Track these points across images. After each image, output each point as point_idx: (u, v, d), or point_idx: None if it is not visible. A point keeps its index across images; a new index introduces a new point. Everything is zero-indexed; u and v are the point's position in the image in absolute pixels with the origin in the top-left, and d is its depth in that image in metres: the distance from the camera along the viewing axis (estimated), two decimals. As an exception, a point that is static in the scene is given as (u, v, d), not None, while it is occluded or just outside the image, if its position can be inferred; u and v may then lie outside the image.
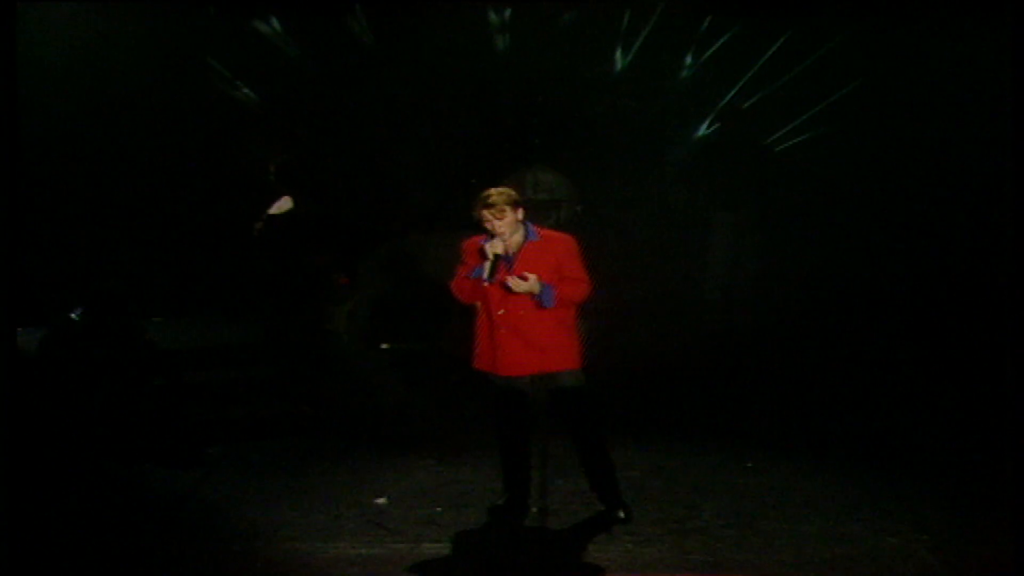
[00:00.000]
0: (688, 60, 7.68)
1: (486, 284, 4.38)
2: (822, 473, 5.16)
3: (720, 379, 6.63)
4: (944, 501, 4.72)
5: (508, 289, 4.36)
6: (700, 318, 7.29)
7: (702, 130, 7.80)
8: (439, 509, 4.69)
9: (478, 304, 4.52)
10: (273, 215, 6.13)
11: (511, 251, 4.39)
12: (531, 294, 4.37)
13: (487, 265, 4.36)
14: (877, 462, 5.31)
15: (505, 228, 4.35)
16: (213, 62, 7.43)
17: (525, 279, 4.33)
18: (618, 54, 7.70)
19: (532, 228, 4.45)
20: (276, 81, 7.62)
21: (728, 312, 7.38)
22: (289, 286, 6.14)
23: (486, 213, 4.34)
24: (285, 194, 6.16)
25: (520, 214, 4.39)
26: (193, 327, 6.90)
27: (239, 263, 6.87)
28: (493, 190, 4.38)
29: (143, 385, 5.43)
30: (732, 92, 7.64)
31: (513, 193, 4.40)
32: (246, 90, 7.66)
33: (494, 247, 4.34)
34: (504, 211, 4.33)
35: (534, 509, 4.63)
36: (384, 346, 7.23)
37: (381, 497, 4.80)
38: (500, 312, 4.41)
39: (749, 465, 5.30)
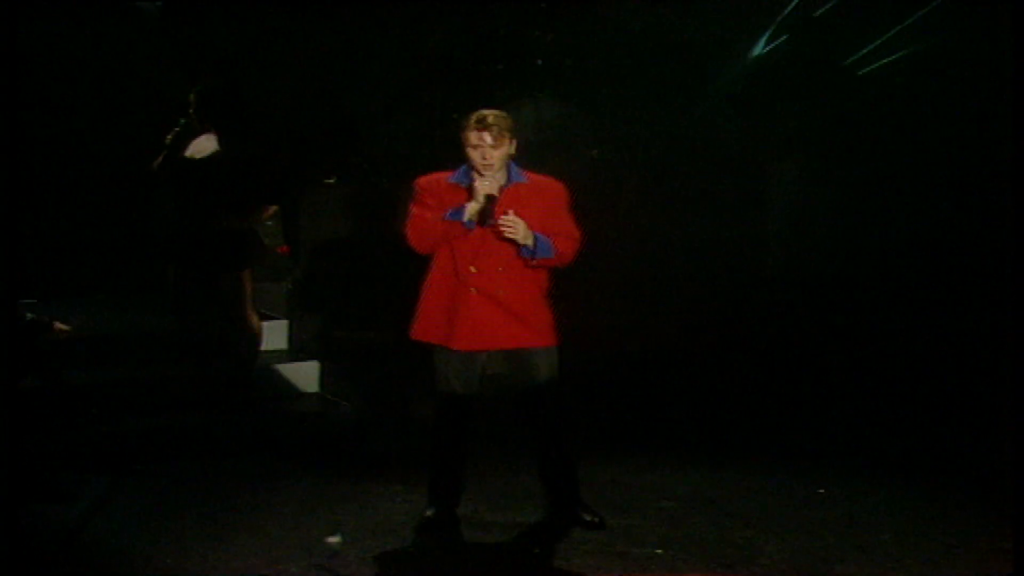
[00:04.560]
0: (743, -46, 7.64)
1: (469, 229, 4.54)
2: (919, 501, 5.16)
3: (782, 375, 6.63)
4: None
5: (495, 234, 4.51)
6: (754, 293, 7.29)
7: (759, 48, 7.73)
8: (410, 550, 4.69)
9: (432, 259, 4.69)
10: (190, 159, 6.03)
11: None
12: (521, 245, 4.54)
13: (472, 207, 4.53)
14: (992, 485, 5.26)
15: (497, 161, 4.56)
16: None
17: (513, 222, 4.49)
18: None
19: (516, 168, 4.66)
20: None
21: (790, 286, 7.38)
22: (209, 255, 6.05)
23: (484, 136, 4.50)
24: (207, 131, 6.06)
25: (514, 148, 4.61)
26: (78, 310, 6.80)
27: (141, 225, 6.81)
28: (491, 110, 4.59)
29: (9, 388, 5.34)
30: (799, -3, 7.57)
31: (512, 120, 4.60)
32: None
33: (488, 187, 4.53)
34: (503, 138, 4.54)
35: (536, 550, 4.67)
36: (336, 334, 7.20)
37: (334, 535, 4.80)
38: (472, 269, 4.61)
39: (821, 492, 5.30)
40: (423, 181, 4.69)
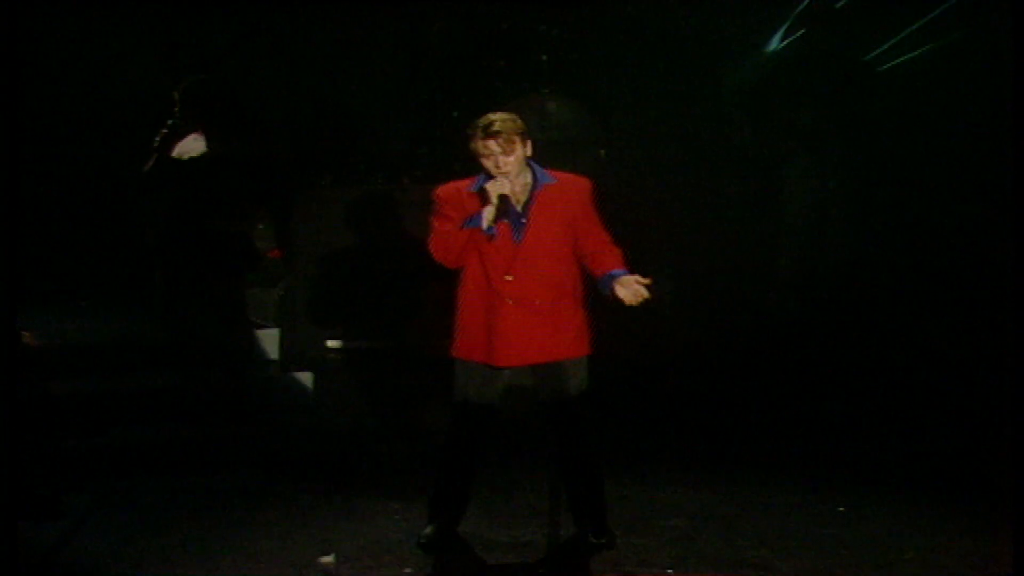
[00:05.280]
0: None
1: (488, 236, 4.51)
2: (944, 519, 5.13)
3: (797, 386, 6.61)
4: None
5: (530, 241, 4.48)
6: (768, 301, 7.33)
7: (774, 43, 7.73)
8: (408, 570, 4.65)
9: (464, 270, 4.62)
10: (177, 161, 6.03)
11: (519, 197, 4.59)
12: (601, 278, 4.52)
13: (489, 211, 4.49)
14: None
15: (512, 166, 4.51)
16: None
17: (644, 283, 4.47)
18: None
19: (539, 168, 4.63)
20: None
21: (806, 293, 7.40)
22: (198, 261, 6.05)
23: (491, 144, 4.46)
24: (194, 131, 6.05)
25: (529, 149, 4.56)
26: (62, 318, 6.83)
27: (127, 228, 6.78)
28: (497, 115, 4.53)
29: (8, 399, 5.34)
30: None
31: (521, 121, 4.54)
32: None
33: (499, 187, 4.49)
34: (513, 143, 4.49)
35: (541, 571, 4.67)
36: (331, 344, 7.19)
37: (327, 554, 4.78)
38: (508, 278, 4.55)
39: (840, 510, 5.28)
40: (443, 192, 4.61)
